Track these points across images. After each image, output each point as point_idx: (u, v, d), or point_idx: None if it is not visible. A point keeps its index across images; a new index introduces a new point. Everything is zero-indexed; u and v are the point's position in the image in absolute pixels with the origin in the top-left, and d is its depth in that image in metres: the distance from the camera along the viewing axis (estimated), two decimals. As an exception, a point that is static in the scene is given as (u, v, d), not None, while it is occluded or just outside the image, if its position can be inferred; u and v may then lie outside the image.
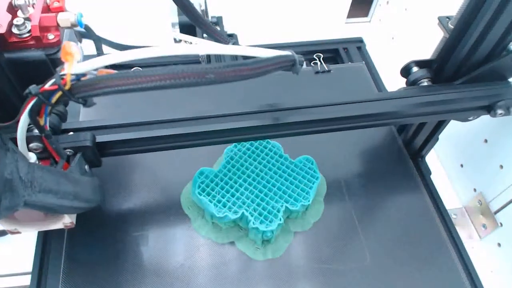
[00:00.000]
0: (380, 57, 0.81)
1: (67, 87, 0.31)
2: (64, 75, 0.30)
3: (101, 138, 0.40)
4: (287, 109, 0.45)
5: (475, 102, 0.47)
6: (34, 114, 0.32)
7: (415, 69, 0.50)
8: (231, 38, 0.70)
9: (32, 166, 0.29)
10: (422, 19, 0.76)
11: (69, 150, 0.38)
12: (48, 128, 0.34)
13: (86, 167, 0.40)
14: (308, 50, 0.81)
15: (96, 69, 0.31)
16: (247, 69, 0.32)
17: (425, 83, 0.50)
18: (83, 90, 0.31)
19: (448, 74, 0.49)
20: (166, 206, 0.53)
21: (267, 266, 0.49)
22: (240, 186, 0.51)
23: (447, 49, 0.47)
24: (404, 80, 0.52)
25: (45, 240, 0.50)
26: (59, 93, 0.31)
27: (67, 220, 0.38)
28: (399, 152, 0.62)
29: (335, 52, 0.82)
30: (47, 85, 0.31)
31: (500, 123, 0.58)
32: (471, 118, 0.51)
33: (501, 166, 0.58)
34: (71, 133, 0.40)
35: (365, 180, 0.58)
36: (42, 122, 0.33)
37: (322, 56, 0.73)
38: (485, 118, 0.61)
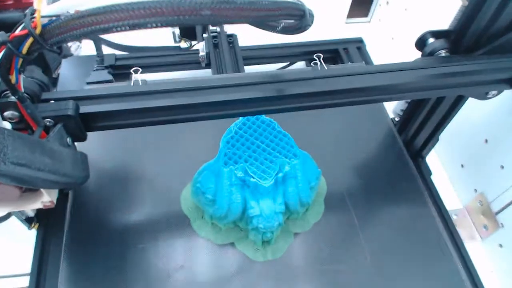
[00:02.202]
0: (380, 57, 0.81)
1: (37, 31, 0.27)
2: (34, 17, 0.27)
3: (86, 109, 0.36)
4: (292, 81, 0.40)
5: (497, 74, 0.43)
6: (4, 69, 0.28)
7: (431, 40, 0.47)
8: (231, 38, 0.70)
9: (1, 131, 0.26)
10: (422, 19, 0.76)
11: (49, 120, 0.34)
12: (22, 89, 0.31)
13: (68, 140, 0.36)
14: (308, 50, 0.80)
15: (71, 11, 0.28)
16: (248, 8, 0.29)
17: (443, 54, 0.46)
18: (56, 34, 0.27)
19: (468, 45, 0.45)
20: (165, 206, 0.53)
21: (267, 267, 0.49)
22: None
23: (466, 18, 0.44)
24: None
25: (44, 241, 0.50)
26: (30, 40, 0.27)
27: (46, 199, 0.35)
28: (399, 153, 0.61)
29: (335, 53, 0.82)
30: (17, 31, 0.27)
31: (500, 123, 0.58)
32: (490, 96, 0.47)
33: (502, 167, 0.57)
34: (52, 101, 0.35)
35: (365, 180, 0.58)
36: (13, 80, 0.29)
37: (322, 56, 0.72)
38: (485, 118, 0.61)
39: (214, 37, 0.68)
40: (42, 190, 0.34)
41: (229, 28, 0.71)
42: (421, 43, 0.48)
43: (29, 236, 0.54)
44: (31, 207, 0.36)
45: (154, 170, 0.57)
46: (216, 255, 0.50)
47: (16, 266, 0.53)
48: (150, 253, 0.49)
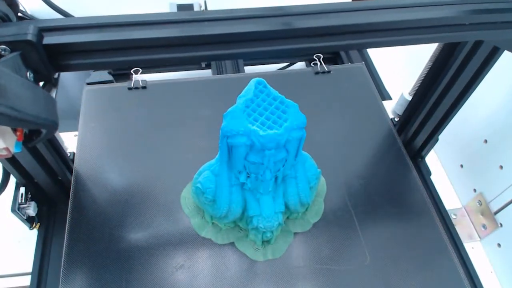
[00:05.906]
0: (380, 57, 0.81)
1: None
2: None
3: (52, 39, 0.30)
4: (303, 14, 0.33)
5: None
6: None
7: None
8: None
9: None
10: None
11: (4, 47, 0.29)
12: None
13: (29, 74, 0.30)
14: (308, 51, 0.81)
15: None
16: None
17: None
18: None
19: None
20: (165, 206, 0.53)
21: (267, 267, 0.49)
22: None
23: None
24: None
25: (46, 241, 0.50)
26: None
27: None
28: (399, 153, 0.62)
29: (335, 53, 0.82)
30: None
31: (499, 123, 0.58)
32: None
33: (501, 167, 0.58)
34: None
35: (365, 180, 0.58)
36: None
37: (322, 56, 0.73)
38: (484, 118, 0.61)
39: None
40: None
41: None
42: None
43: (30, 235, 0.54)
44: None
45: (154, 170, 0.57)
46: (216, 254, 0.50)
47: (17, 266, 0.53)
48: (151, 253, 0.49)
